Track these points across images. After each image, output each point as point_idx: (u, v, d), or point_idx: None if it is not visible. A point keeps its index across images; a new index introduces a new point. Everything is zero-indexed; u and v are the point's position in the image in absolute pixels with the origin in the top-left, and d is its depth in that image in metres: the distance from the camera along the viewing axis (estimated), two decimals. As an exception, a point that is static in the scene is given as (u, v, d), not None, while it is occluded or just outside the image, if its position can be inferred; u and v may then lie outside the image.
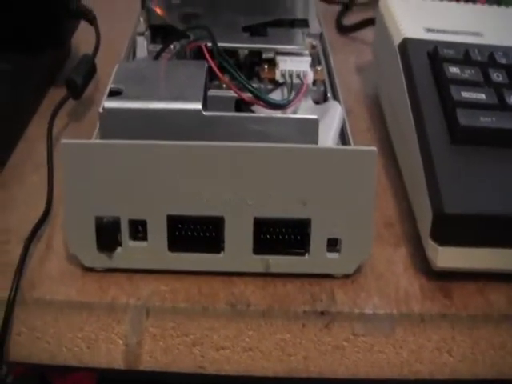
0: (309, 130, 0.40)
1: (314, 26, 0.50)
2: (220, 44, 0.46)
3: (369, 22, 0.66)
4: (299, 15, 0.51)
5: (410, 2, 0.57)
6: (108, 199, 0.39)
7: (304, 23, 0.51)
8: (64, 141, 0.38)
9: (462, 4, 0.58)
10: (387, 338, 0.39)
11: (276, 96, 0.46)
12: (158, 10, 0.52)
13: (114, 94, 0.41)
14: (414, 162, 0.43)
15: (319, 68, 0.48)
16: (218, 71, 0.43)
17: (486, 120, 0.43)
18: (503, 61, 0.47)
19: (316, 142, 0.40)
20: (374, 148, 0.38)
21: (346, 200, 0.38)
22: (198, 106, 0.39)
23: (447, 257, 0.40)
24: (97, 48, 0.53)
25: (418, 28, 0.52)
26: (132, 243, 0.40)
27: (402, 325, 0.39)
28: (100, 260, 0.40)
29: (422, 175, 0.42)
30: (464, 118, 0.43)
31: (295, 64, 0.47)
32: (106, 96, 0.40)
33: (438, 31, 0.52)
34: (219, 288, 0.40)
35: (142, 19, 0.53)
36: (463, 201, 0.39)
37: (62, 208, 0.41)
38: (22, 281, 0.39)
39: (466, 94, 0.45)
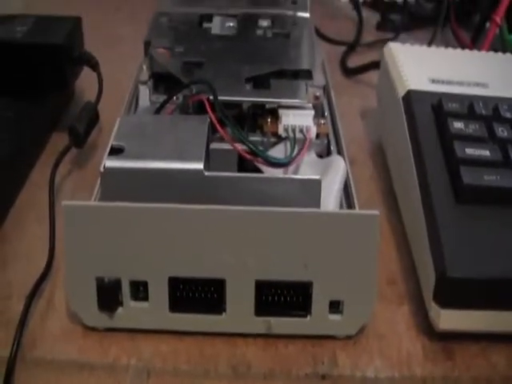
0: (311, 190, 0.40)
1: (318, 78, 0.50)
2: (222, 97, 0.46)
3: (373, 65, 0.66)
4: (303, 66, 0.51)
5: (415, 49, 0.56)
6: (109, 260, 0.38)
7: (308, 74, 0.50)
8: (65, 203, 0.38)
9: (466, 51, 0.57)
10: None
11: (279, 150, 0.46)
12: (162, 53, 0.52)
13: (116, 151, 0.40)
14: (418, 220, 0.43)
15: (322, 122, 0.48)
16: (220, 128, 0.43)
17: (490, 178, 0.43)
18: (508, 115, 0.47)
19: (318, 203, 0.40)
20: (376, 212, 0.38)
21: (349, 263, 0.38)
22: (200, 165, 0.39)
23: (449, 319, 0.40)
24: (99, 95, 0.54)
25: (422, 79, 0.51)
26: (133, 303, 0.40)
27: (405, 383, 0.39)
28: (101, 319, 0.40)
29: (425, 234, 0.42)
30: (468, 177, 0.43)
31: (298, 118, 0.47)
32: (107, 154, 0.40)
33: (443, 82, 0.51)
34: (221, 349, 0.40)
35: (144, 67, 0.53)
36: (466, 264, 0.39)
37: (63, 263, 0.41)
38: (23, 339, 0.39)
39: (470, 151, 0.44)
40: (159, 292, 0.39)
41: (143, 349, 0.40)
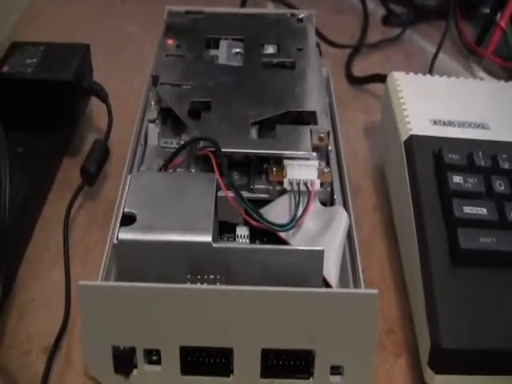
0: (315, 260, 0.42)
1: (323, 122, 0.51)
2: (228, 149, 0.48)
3: (378, 78, 0.67)
4: (308, 107, 0.52)
5: (417, 79, 0.57)
6: (124, 332, 0.41)
7: (313, 115, 0.52)
8: (81, 283, 0.40)
9: (469, 81, 0.58)
10: None
11: (284, 202, 0.48)
12: (169, 91, 0.53)
13: (127, 218, 0.42)
14: (416, 278, 0.46)
15: (326, 170, 0.49)
16: (226, 192, 0.46)
17: (485, 241, 0.45)
18: (506, 165, 0.49)
19: (321, 271, 0.42)
20: (375, 291, 0.40)
21: (349, 335, 0.41)
22: (208, 238, 0.41)
23: (443, 383, 0.42)
24: (109, 130, 0.55)
25: (424, 120, 0.53)
26: (147, 367, 0.42)
27: None
28: (117, 381, 0.42)
29: (422, 297, 0.44)
30: (464, 240, 0.45)
31: (302, 170, 0.48)
32: (119, 223, 0.42)
33: (445, 123, 0.53)
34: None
35: (152, 103, 0.54)
36: (460, 335, 0.42)
37: (79, 317, 0.43)
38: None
39: (468, 209, 0.46)
40: (171, 358, 0.42)
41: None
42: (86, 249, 0.52)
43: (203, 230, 0.42)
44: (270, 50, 0.60)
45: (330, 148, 0.52)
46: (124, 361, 0.42)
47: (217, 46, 0.60)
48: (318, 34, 0.70)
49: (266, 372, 0.42)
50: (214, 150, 0.47)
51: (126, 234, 0.41)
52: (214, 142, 0.47)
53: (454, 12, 0.76)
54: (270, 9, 0.71)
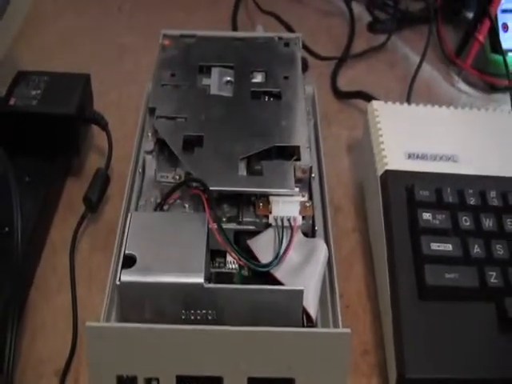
0: (295, 297, 0.48)
1: (305, 158, 0.56)
2: (217, 187, 0.53)
3: (360, 95, 0.72)
4: (292, 142, 0.57)
5: (395, 108, 0.62)
6: (126, 364, 0.47)
7: (297, 150, 0.57)
8: (88, 324, 0.45)
9: (443, 110, 0.63)
10: None
11: (270, 235, 0.53)
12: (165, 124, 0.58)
13: (128, 259, 0.48)
14: (386, 309, 0.52)
15: (308, 205, 0.54)
16: (217, 235, 0.51)
17: (449, 277, 0.50)
18: (472, 201, 0.54)
19: (301, 307, 0.48)
20: (348, 331, 0.46)
21: (325, 366, 0.47)
22: (200, 279, 0.47)
23: (409, 407, 0.48)
24: (109, 160, 0.60)
25: (399, 153, 0.58)
26: None
27: None
28: None
29: (390, 327, 0.50)
30: (430, 277, 0.50)
31: (286, 206, 0.53)
32: (121, 265, 0.48)
33: (418, 157, 0.58)
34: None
35: (149, 134, 0.59)
36: (423, 366, 0.47)
37: (85, 344, 0.48)
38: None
39: (435, 246, 0.52)
40: None
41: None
42: (90, 273, 0.57)
43: (196, 271, 0.47)
44: (259, 78, 0.64)
45: (313, 175, 0.57)
46: (127, 387, 0.47)
47: (209, 73, 0.64)
48: (305, 47, 0.74)
49: (252, 396, 0.48)
50: (203, 190, 0.51)
51: (127, 277, 0.47)
52: (203, 183, 0.52)
53: (437, 20, 0.80)
54: (260, 31, 0.75)
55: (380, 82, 0.77)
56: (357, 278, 0.58)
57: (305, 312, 0.49)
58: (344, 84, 0.77)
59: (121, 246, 0.49)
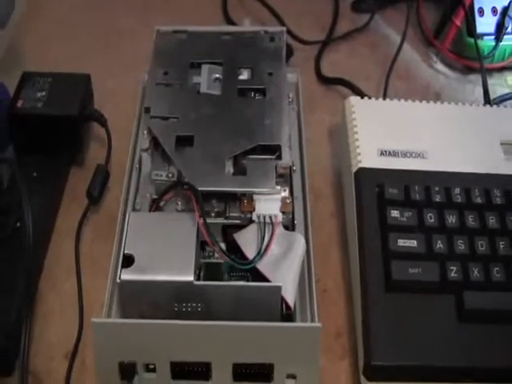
0: (273, 293, 0.55)
1: (286, 156, 0.62)
2: (205, 188, 0.59)
3: (341, 82, 0.78)
4: (274, 140, 0.63)
5: (371, 104, 0.68)
6: (127, 352, 0.53)
7: (278, 148, 0.63)
8: (93, 320, 0.52)
9: (417, 104, 0.69)
10: None
11: (253, 230, 0.60)
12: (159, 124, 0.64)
13: (127, 258, 0.55)
14: (356, 298, 0.58)
15: (288, 201, 0.61)
16: (207, 236, 0.56)
17: (413, 272, 0.57)
18: (437, 198, 0.60)
19: (279, 301, 0.55)
20: (318, 325, 0.52)
21: (300, 353, 0.53)
22: (190, 277, 0.54)
23: (375, 388, 0.55)
24: (108, 156, 0.66)
25: (372, 151, 0.64)
26: (146, 374, 0.55)
27: None
28: None
29: (360, 316, 0.57)
30: (396, 272, 0.56)
31: (268, 204, 0.60)
32: (120, 265, 0.54)
33: (390, 154, 0.64)
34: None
35: (145, 132, 0.65)
36: (388, 354, 0.54)
37: (90, 327, 0.54)
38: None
39: (402, 242, 0.58)
40: (164, 369, 0.55)
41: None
42: (93, 261, 0.64)
43: (186, 270, 0.54)
44: (245, 74, 0.70)
45: (294, 168, 0.64)
46: (127, 371, 0.55)
47: (200, 69, 0.69)
48: (289, 32, 0.80)
49: (237, 377, 0.55)
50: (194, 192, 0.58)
51: (127, 275, 0.54)
52: (191, 186, 0.58)
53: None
54: (246, 25, 0.80)
55: (362, 66, 0.83)
56: (334, 263, 0.64)
57: (284, 301, 0.55)
58: (327, 68, 0.82)
59: (120, 245, 0.55)
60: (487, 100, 0.74)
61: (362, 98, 0.69)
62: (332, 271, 0.64)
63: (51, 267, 0.64)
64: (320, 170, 0.71)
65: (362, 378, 0.55)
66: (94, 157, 0.71)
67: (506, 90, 0.80)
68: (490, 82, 0.79)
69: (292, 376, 0.55)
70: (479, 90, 0.76)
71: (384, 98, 0.71)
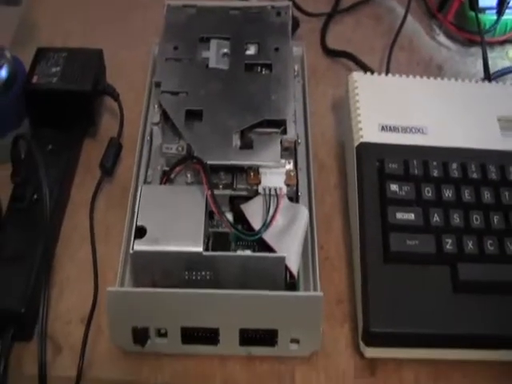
0: (278, 263, 0.58)
1: (291, 131, 0.65)
2: (213, 161, 0.62)
3: (346, 55, 0.80)
4: (280, 116, 0.66)
5: (374, 80, 0.71)
6: (140, 318, 0.57)
7: (284, 122, 0.66)
8: (109, 289, 0.56)
9: (417, 80, 0.71)
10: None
11: (259, 201, 0.63)
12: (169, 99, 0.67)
13: (140, 230, 0.58)
14: (356, 267, 0.61)
15: (292, 174, 0.64)
16: (214, 207, 0.59)
17: (411, 243, 0.60)
18: (435, 173, 0.63)
19: (283, 270, 0.58)
20: (320, 294, 0.56)
21: (303, 319, 0.57)
22: (200, 248, 0.57)
23: (372, 352, 0.59)
24: (121, 129, 0.69)
25: (374, 125, 0.66)
26: (158, 339, 0.59)
27: None
28: (136, 349, 0.59)
29: (359, 284, 0.60)
30: (394, 244, 0.60)
31: (273, 177, 0.63)
32: (133, 236, 0.58)
33: (391, 129, 0.67)
34: (216, 368, 0.59)
35: (156, 106, 0.68)
36: (385, 321, 0.57)
37: (105, 294, 0.57)
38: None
39: (400, 215, 0.61)
40: (175, 334, 0.58)
41: (163, 367, 0.59)
42: (107, 229, 0.67)
43: (196, 241, 0.57)
44: (252, 50, 0.73)
45: (299, 141, 0.67)
46: (140, 336, 0.58)
47: (208, 43, 0.72)
48: (295, 5, 0.82)
49: (243, 342, 0.59)
50: (203, 166, 0.61)
51: (139, 246, 0.57)
52: (200, 160, 0.61)
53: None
54: (253, 0, 0.82)
55: (366, 38, 0.85)
56: (336, 232, 0.67)
57: (288, 270, 0.59)
58: (332, 40, 0.85)
59: (132, 216, 0.59)
60: (487, 74, 0.76)
61: (365, 72, 0.71)
62: (334, 240, 0.67)
63: (67, 236, 0.67)
64: (324, 142, 0.74)
65: (361, 344, 0.58)
66: (106, 129, 0.73)
67: (507, 63, 0.81)
68: (492, 55, 0.81)
69: (295, 340, 0.58)
70: (481, 63, 0.78)
71: (387, 72, 0.73)
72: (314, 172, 0.65)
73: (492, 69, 0.78)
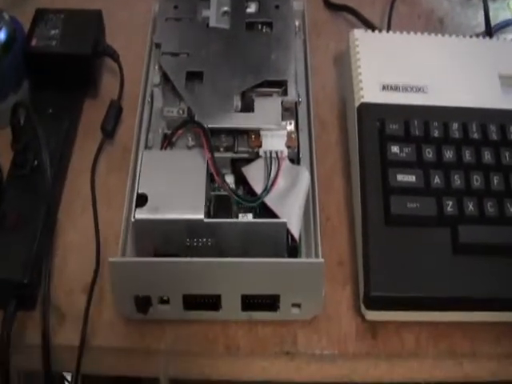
0: (279, 228, 0.58)
1: (292, 93, 0.65)
2: (214, 125, 0.62)
3: (347, 9, 0.79)
4: (281, 76, 0.66)
5: (376, 38, 0.70)
6: (142, 286, 0.58)
7: (285, 83, 0.66)
8: (110, 259, 0.56)
9: (419, 36, 0.71)
10: (332, 364, 0.60)
11: (260, 164, 0.63)
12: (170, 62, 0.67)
13: (141, 197, 0.58)
14: (358, 230, 0.61)
15: (293, 136, 0.64)
16: (216, 176, 0.60)
17: (411, 206, 0.60)
18: (435, 134, 0.63)
19: (284, 236, 0.59)
20: (321, 260, 0.56)
21: (304, 285, 0.57)
22: (201, 215, 0.57)
23: (373, 315, 0.59)
24: (121, 90, 0.69)
25: (375, 85, 0.66)
26: (160, 306, 0.59)
27: (340, 359, 0.60)
28: (139, 316, 0.60)
29: (360, 247, 0.60)
30: (395, 207, 0.60)
31: (274, 140, 0.63)
32: (135, 204, 0.58)
33: (391, 88, 0.66)
34: (219, 332, 0.60)
35: (156, 67, 0.68)
36: (386, 285, 0.58)
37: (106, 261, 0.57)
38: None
39: (401, 177, 0.61)
40: (177, 301, 0.59)
41: (166, 333, 0.60)
42: (109, 192, 0.67)
43: (197, 208, 0.57)
44: (252, 7, 0.72)
45: (300, 99, 0.66)
46: (142, 304, 0.59)
47: (208, 2, 0.71)
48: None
49: (245, 307, 0.59)
50: (204, 130, 0.61)
51: (141, 215, 0.57)
52: (201, 125, 0.61)
53: None
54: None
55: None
56: (337, 192, 0.67)
57: (289, 234, 0.59)
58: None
59: (133, 183, 0.59)
60: (488, 27, 0.76)
61: (366, 29, 0.70)
62: (335, 199, 0.67)
63: (69, 201, 0.67)
64: (325, 99, 0.73)
65: (362, 307, 0.59)
66: (107, 90, 0.73)
67: (509, 15, 0.80)
68: (493, 6, 0.80)
69: (297, 305, 0.59)
70: (482, 15, 0.77)
71: (388, 26, 0.73)
72: (315, 131, 0.65)
73: (493, 21, 0.77)
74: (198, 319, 0.60)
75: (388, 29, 0.77)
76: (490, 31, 0.74)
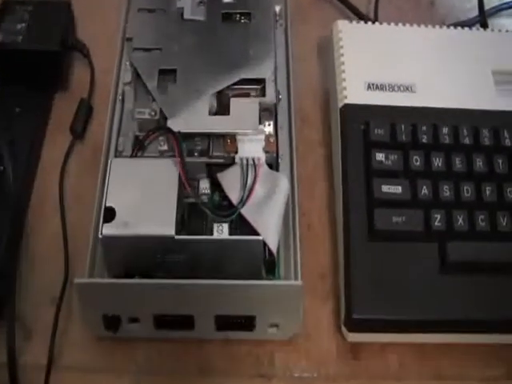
0: (255, 246, 0.55)
1: (270, 93, 0.61)
2: (188, 130, 0.58)
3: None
4: (259, 74, 0.62)
5: (361, 29, 0.66)
6: (110, 306, 0.54)
7: (262, 81, 0.62)
8: (76, 281, 0.53)
9: (407, 28, 0.66)
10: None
11: (236, 171, 0.59)
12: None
13: (109, 211, 0.55)
14: (340, 244, 0.58)
15: (272, 140, 0.60)
16: (187, 186, 0.56)
17: (397, 220, 0.56)
18: (424, 139, 0.59)
19: (261, 253, 0.55)
20: (299, 283, 0.53)
21: (282, 308, 0.54)
22: (172, 231, 0.54)
23: (355, 337, 0.56)
24: (91, 89, 0.65)
25: (359, 83, 0.62)
26: (130, 325, 0.56)
27: (320, 382, 0.57)
28: (108, 334, 0.57)
29: (342, 264, 0.57)
30: (379, 221, 0.56)
31: (252, 145, 0.59)
32: (102, 219, 0.54)
33: (377, 87, 0.62)
34: (192, 352, 0.57)
35: (128, 63, 0.63)
36: (368, 308, 0.54)
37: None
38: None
39: (386, 188, 0.57)
40: (147, 321, 0.56)
41: (137, 352, 0.57)
42: (79, 195, 0.63)
43: (168, 224, 0.54)
44: (230, -1, 0.67)
45: (280, 97, 0.62)
46: (112, 323, 0.56)
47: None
48: None
49: (219, 327, 0.56)
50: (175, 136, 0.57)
51: (108, 230, 0.54)
52: (172, 132, 0.57)
53: None
54: None
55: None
56: (319, 197, 0.64)
57: (266, 246, 0.55)
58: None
59: (102, 193, 0.55)
60: (481, 10, 0.73)
61: (351, 21, 0.66)
62: (317, 205, 0.63)
63: (38, 205, 0.63)
64: (309, 91, 0.69)
65: (343, 329, 0.55)
66: (78, 84, 0.69)
67: (504, -3, 0.75)
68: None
69: (274, 325, 0.56)
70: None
71: (375, 9, 0.70)
72: (296, 127, 0.61)
73: (487, 4, 0.72)
74: (170, 338, 0.57)
75: (375, 9, 0.72)
76: (484, 21, 0.69)
